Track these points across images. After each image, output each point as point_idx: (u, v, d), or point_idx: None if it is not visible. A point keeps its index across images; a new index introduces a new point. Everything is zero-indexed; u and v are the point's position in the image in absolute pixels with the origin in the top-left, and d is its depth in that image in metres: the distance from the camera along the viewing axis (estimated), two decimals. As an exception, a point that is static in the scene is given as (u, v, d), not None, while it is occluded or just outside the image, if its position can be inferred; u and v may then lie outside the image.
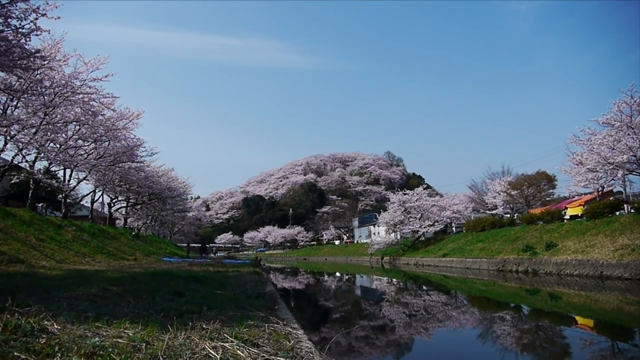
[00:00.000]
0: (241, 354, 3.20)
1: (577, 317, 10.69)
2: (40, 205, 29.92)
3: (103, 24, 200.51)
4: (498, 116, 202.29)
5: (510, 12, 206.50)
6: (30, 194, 20.17)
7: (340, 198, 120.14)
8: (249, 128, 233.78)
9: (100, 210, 38.62)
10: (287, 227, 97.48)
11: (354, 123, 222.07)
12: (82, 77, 16.63)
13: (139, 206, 36.60)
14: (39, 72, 13.57)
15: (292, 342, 3.90)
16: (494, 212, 38.28)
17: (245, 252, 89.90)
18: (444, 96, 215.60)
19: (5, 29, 10.37)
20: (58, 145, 18.05)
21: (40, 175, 19.49)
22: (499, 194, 37.12)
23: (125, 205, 35.17)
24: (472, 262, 26.69)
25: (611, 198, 26.51)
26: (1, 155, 17.08)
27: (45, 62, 13.41)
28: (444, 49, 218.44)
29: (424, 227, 41.22)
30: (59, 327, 3.38)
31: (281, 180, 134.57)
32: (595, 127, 23.15)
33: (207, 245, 54.65)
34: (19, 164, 19.03)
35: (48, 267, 10.70)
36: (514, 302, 13.91)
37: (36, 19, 10.57)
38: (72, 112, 17.23)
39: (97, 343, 2.96)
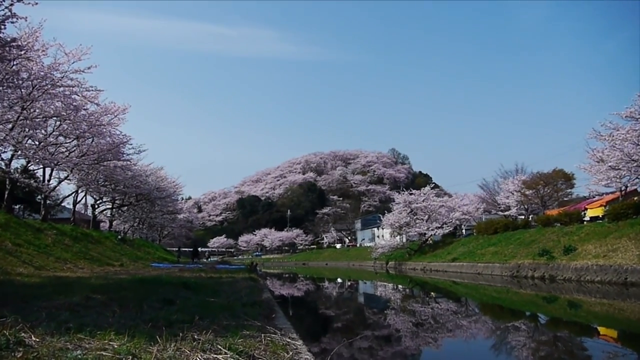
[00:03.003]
0: (236, 367, 3.16)
1: (599, 328, 10.66)
2: (17, 207, 29.87)
3: (85, 10, 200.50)
4: (511, 110, 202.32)
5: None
6: (6, 195, 20.12)
7: (341, 198, 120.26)
8: (244, 124, 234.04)
9: (83, 212, 38.58)
10: (285, 229, 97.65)
11: (356, 118, 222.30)
12: (62, 69, 16.58)
13: (126, 208, 36.56)
14: (15, 62, 13.51)
15: (291, 353, 3.88)
16: (506, 213, 38.26)
17: (240, 257, 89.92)
18: (452, 89, 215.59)
19: (-21, 16, 10.32)
20: (37, 142, 18.00)
21: (17, 175, 19.44)
22: (513, 193, 37.09)
23: (110, 207, 35.12)
24: (484, 267, 26.70)
25: (635, 198, 26.44)
26: (-24, 153, 17.05)
27: (22, 52, 13.36)
28: (451, 38, 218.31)
29: (432, 230, 41.24)
30: (38, 340, 3.35)
31: (278, 180, 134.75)
32: (617, 121, 23.09)
33: (199, 250, 54.72)
34: (-5, 163, 18.99)
35: (26, 275, 10.66)
36: (530, 311, 13.89)
37: (11, 4, 10.50)
38: (52, 107, 17.18)
39: (79, 356, 2.92)
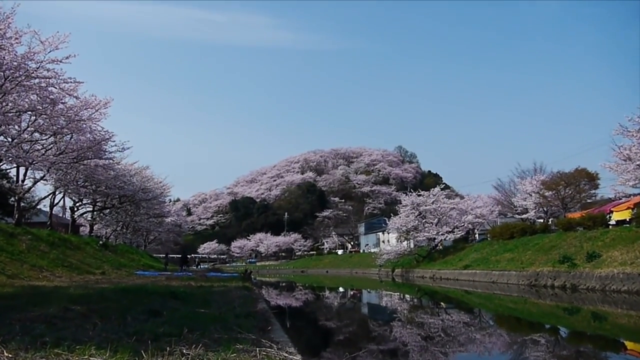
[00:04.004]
0: (228, 385, 3.15)
1: (626, 342, 10.65)
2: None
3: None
4: (529, 104, 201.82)
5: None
6: (-22, 197, 20.13)
7: (343, 200, 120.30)
8: (237, 119, 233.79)
9: (61, 215, 38.59)
10: (282, 234, 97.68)
11: (360, 113, 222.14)
12: (38, 58, 16.52)
13: (108, 211, 36.56)
14: (-14, 52, 13.49)
15: (289, 370, 3.86)
16: (524, 216, 38.29)
17: (233, 264, 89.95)
18: (465, 82, 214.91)
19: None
20: (10, 139, 17.95)
21: (-11, 175, 19.44)
22: (530, 195, 37.13)
23: (91, 209, 35.12)
24: (499, 275, 26.74)
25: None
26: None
27: (-5, 40, 13.32)
28: (464, 26, 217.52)
29: (442, 234, 41.26)
30: (10, 356, 3.33)
31: (275, 180, 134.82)
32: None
33: (189, 256, 54.72)
34: (-37, 162, 18.97)
35: (-1, 283, 10.64)
36: (550, 323, 13.90)
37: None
38: (27, 100, 17.15)
39: (56, 373, 2.90)
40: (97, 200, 33.77)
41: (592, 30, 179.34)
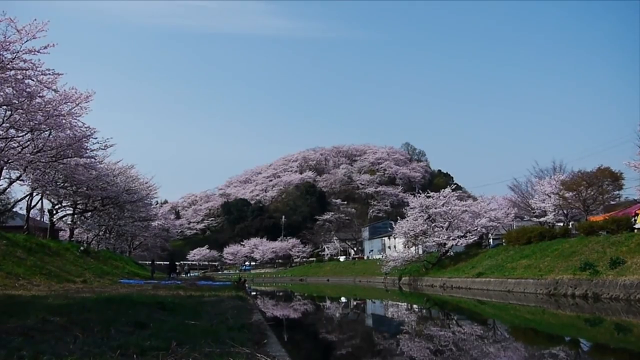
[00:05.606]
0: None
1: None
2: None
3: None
4: (547, 99, 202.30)
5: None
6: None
7: (345, 202, 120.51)
8: (230, 114, 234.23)
9: (38, 219, 38.62)
10: (279, 239, 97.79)
11: (363, 107, 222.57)
12: (14, 48, 16.56)
13: (89, 214, 36.61)
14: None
15: (287, 387, 3.88)
16: (542, 219, 38.30)
17: (225, 272, 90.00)
18: (478, 74, 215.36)
19: None
20: (-17, 136, 18.00)
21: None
22: (549, 196, 37.14)
23: (71, 212, 35.16)
24: (515, 284, 26.77)
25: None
26: None
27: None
28: (475, 16, 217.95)
29: (453, 239, 41.23)
30: (-16, 370, 3.34)
31: (271, 180, 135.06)
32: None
33: (177, 263, 54.83)
34: None
35: (-29, 292, 10.66)
36: (570, 336, 13.93)
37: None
38: (2, 93, 17.18)
39: (34, 390, 2.91)
40: (78, 202, 33.79)
41: (616, 22, 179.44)
